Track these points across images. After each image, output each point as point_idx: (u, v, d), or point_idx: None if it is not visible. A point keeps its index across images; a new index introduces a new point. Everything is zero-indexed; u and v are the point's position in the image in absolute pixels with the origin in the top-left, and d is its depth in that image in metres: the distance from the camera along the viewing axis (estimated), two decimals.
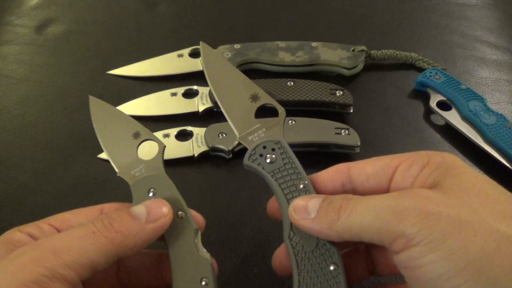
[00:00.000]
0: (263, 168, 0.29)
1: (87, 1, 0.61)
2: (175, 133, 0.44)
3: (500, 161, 0.41)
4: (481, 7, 0.59)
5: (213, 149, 0.43)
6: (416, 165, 0.25)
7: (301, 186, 0.28)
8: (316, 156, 0.43)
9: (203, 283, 0.27)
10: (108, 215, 0.26)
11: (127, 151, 0.32)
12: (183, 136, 0.44)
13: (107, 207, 0.29)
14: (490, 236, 0.21)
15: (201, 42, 0.34)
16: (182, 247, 0.28)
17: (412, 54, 0.51)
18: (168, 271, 0.28)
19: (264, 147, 0.30)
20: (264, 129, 0.30)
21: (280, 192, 0.28)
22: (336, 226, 0.25)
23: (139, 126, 0.33)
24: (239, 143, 0.43)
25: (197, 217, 0.30)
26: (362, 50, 0.50)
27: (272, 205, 0.30)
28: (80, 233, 0.25)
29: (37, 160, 0.44)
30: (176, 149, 0.43)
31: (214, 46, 0.51)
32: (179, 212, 0.29)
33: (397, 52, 0.51)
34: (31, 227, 0.27)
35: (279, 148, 0.30)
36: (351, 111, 0.46)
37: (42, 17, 0.58)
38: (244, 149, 0.43)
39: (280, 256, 0.29)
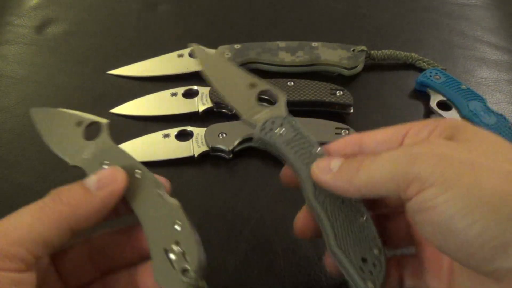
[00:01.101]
0: (275, 139, 0.30)
1: (87, 1, 0.61)
2: (175, 133, 0.44)
3: None
4: (481, 7, 0.59)
5: (213, 149, 0.43)
6: (426, 129, 0.26)
7: (317, 151, 0.29)
8: None
9: (177, 226, 0.26)
10: (58, 190, 0.26)
11: (74, 141, 0.32)
12: (183, 136, 0.44)
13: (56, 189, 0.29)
14: (504, 176, 0.22)
15: (192, 44, 0.35)
16: (146, 201, 0.28)
17: (412, 54, 0.51)
18: (142, 240, 0.28)
19: (273, 122, 0.30)
20: (268, 110, 0.31)
21: (296, 159, 0.29)
22: (355, 180, 0.25)
23: (80, 116, 0.33)
24: (239, 143, 0.43)
25: (160, 179, 0.29)
26: (362, 50, 0.50)
27: (285, 173, 0.31)
28: (29, 210, 0.25)
29: (37, 160, 0.44)
30: (176, 149, 0.43)
31: (214, 46, 0.51)
32: (136, 171, 0.29)
33: (397, 52, 0.51)
34: None
35: (288, 122, 0.30)
36: (351, 111, 0.46)
37: (42, 17, 0.58)
38: (245, 149, 0.43)
39: (303, 218, 0.29)
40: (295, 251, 0.37)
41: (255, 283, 0.36)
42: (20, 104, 0.49)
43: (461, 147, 0.23)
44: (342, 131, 0.43)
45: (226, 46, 0.51)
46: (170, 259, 0.26)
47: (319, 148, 0.29)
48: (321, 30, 0.56)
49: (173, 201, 0.28)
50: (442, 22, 0.57)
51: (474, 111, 0.44)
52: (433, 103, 0.46)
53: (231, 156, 0.43)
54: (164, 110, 0.47)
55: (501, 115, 0.44)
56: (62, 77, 0.51)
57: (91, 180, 0.27)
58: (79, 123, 0.33)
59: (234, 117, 0.46)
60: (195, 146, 0.43)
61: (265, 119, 0.31)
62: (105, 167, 0.29)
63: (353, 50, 0.50)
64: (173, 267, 0.25)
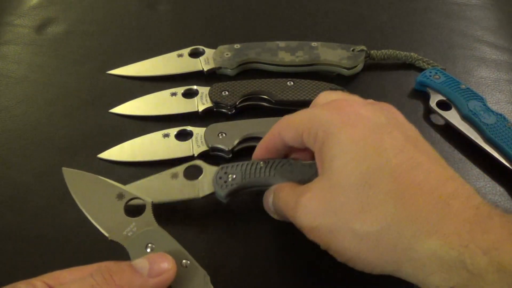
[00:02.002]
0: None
1: (87, 1, 0.61)
2: (175, 133, 0.44)
3: (500, 161, 0.41)
4: (481, 7, 0.59)
5: (213, 149, 0.43)
6: (311, 138, 0.29)
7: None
8: None
9: None
10: (108, 267, 0.26)
11: (114, 214, 0.32)
12: (183, 136, 0.44)
13: (104, 265, 0.28)
14: (350, 239, 0.25)
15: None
16: None
17: (412, 54, 0.51)
18: None
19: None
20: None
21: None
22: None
23: (120, 188, 0.33)
24: (239, 143, 0.43)
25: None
26: (362, 50, 0.50)
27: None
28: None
29: (37, 160, 0.44)
30: (175, 149, 0.43)
31: (214, 46, 0.51)
32: (183, 261, 0.28)
33: (397, 52, 0.51)
34: (25, 285, 0.26)
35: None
36: None
37: (42, 17, 0.58)
38: (244, 149, 0.43)
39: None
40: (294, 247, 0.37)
41: (256, 283, 0.36)
42: (20, 104, 0.49)
43: (323, 205, 0.27)
44: None
45: (226, 46, 0.51)
46: None
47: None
48: (321, 30, 0.56)
49: None
50: (442, 22, 0.57)
51: (474, 110, 0.44)
52: (432, 103, 0.46)
53: (230, 155, 0.43)
54: (163, 110, 0.47)
55: (500, 114, 0.44)
56: (62, 77, 0.51)
57: (143, 264, 0.27)
58: (120, 196, 0.33)
59: (234, 117, 0.46)
60: (195, 146, 0.43)
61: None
62: (149, 250, 0.29)
63: (353, 50, 0.50)
64: None
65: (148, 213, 0.32)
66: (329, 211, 0.26)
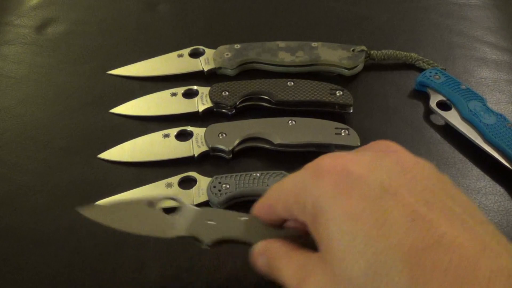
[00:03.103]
0: None
1: (87, 1, 0.61)
2: (175, 133, 0.44)
3: (500, 161, 0.41)
4: (481, 7, 0.59)
5: (213, 149, 0.43)
6: (299, 211, 0.25)
7: None
8: (316, 156, 0.43)
9: None
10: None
11: (157, 219, 0.32)
12: (183, 136, 0.44)
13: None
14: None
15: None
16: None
17: (412, 54, 0.51)
18: None
19: None
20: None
21: None
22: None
23: (148, 199, 0.33)
24: (239, 143, 0.43)
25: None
26: (362, 50, 0.50)
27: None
28: None
29: (37, 160, 0.44)
30: (176, 149, 0.43)
31: (214, 46, 0.51)
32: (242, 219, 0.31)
33: (397, 52, 0.51)
34: None
35: None
36: (351, 111, 0.46)
37: (42, 17, 0.58)
38: (245, 149, 0.43)
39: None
40: None
41: (255, 283, 0.36)
42: (20, 104, 0.49)
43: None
44: (342, 131, 0.43)
45: (226, 46, 0.51)
46: None
47: None
48: (321, 30, 0.56)
49: None
50: (442, 22, 0.57)
51: (474, 111, 0.44)
52: (432, 103, 0.46)
53: (231, 156, 0.43)
54: (164, 110, 0.47)
55: (501, 115, 0.44)
56: (62, 77, 0.51)
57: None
58: (150, 204, 0.33)
59: (234, 117, 0.46)
60: (195, 146, 0.43)
61: None
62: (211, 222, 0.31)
63: (353, 50, 0.50)
64: None
65: (184, 203, 0.33)
66: None
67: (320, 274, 0.23)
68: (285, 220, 0.28)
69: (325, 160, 0.24)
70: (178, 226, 0.32)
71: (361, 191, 0.21)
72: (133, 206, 0.33)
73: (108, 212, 0.33)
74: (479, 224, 0.20)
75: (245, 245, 0.32)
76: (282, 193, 0.26)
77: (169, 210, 0.32)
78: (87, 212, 0.32)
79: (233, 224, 0.32)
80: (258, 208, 0.29)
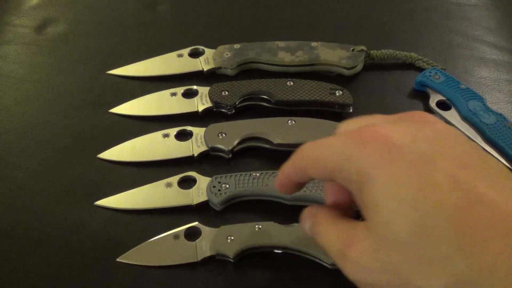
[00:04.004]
0: None
1: (87, 1, 0.61)
2: (175, 133, 0.44)
3: (499, 161, 0.41)
4: (481, 7, 0.59)
5: (213, 149, 0.43)
6: (343, 180, 0.25)
7: None
8: None
9: None
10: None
11: (185, 248, 0.37)
12: (182, 136, 0.44)
13: None
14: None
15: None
16: None
17: (412, 54, 0.51)
18: None
19: None
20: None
21: None
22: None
23: (171, 233, 0.38)
24: (239, 143, 0.43)
25: None
26: (362, 50, 0.50)
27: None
28: None
29: (37, 160, 0.44)
30: (175, 149, 0.43)
31: (214, 46, 0.51)
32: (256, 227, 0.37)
33: (397, 52, 0.51)
34: None
35: None
36: (351, 111, 0.46)
37: (42, 17, 0.58)
38: (244, 149, 0.43)
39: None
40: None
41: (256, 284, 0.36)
42: (20, 104, 0.49)
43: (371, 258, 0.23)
44: None
45: (226, 46, 0.51)
46: None
47: None
48: (321, 30, 0.56)
49: None
50: (442, 22, 0.57)
51: (474, 110, 0.44)
52: (432, 103, 0.46)
53: (230, 156, 0.43)
54: (163, 110, 0.47)
55: (500, 114, 0.44)
56: (62, 77, 0.51)
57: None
58: (176, 237, 0.37)
59: (233, 117, 0.46)
60: (195, 146, 0.43)
61: None
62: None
63: (353, 50, 0.50)
64: None
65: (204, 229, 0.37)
66: (386, 269, 0.23)
67: (366, 239, 0.24)
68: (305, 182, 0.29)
69: (368, 129, 0.24)
70: (202, 249, 0.36)
71: (405, 159, 0.22)
72: (161, 242, 0.37)
73: (142, 253, 0.37)
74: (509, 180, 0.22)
75: (266, 250, 0.36)
76: (320, 158, 0.26)
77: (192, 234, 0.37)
78: (125, 259, 0.37)
79: (251, 234, 0.36)
80: (288, 168, 0.28)
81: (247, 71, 0.51)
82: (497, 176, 0.22)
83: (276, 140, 0.42)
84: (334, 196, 0.28)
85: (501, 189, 0.21)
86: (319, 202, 0.36)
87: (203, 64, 0.50)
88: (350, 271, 0.24)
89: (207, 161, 0.43)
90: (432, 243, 0.21)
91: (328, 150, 0.26)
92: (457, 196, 0.21)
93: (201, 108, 0.46)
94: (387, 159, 0.23)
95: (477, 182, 0.21)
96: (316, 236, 0.28)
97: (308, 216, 0.29)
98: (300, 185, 0.29)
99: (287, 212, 0.39)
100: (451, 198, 0.21)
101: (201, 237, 0.37)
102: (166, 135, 0.44)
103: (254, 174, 0.40)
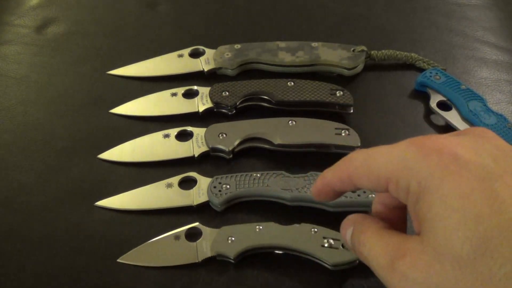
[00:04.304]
0: None
1: (87, 1, 0.61)
2: (175, 133, 0.44)
3: None
4: (481, 7, 0.59)
5: (213, 150, 0.43)
6: (400, 191, 0.24)
7: None
8: (316, 156, 0.43)
9: None
10: None
11: (187, 249, 0.37)
12: (183, 136, 0.44)
13: None
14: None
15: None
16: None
17: (412, 54, 0.51)
18: None
19: None
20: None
21: None
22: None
23: (171, 234, 0.38)
24: (240, 143, 0.43)
25: None
26: (362, 50, 0.50)
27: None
28: None
29: (37, 160, 0.44)
30: (176, 149, 0.43)
31: (214, 46, 0.51)
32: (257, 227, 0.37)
33: (397, 52, 0.51)
34: None
35: None
36: (351, 111, 0.46)
37: (42, 17, 0.58)
38: (245, 150, 0.43)
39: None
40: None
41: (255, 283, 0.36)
42: (20, 104, 0.49)
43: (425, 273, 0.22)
44: (342, 131, 0.43)
45: (226, 46, 0.51)
46: None
47: None
48: (321, 30, 0.56)
49: None
50: (442, 22, 0.57)
51: (474, 111, 0.44)
52: (433, 103, 0.46)
53: (231, 156, 0.43)
54: (164, 110, 0.47)
55: (501, 115, 0.44)
56: (62, 77, 0.51)
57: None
58: (176, 237, 0.37)
59: (234, 117, 0.46)
60: (195, 146, 0.43)
61: None
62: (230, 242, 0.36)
63: (353, 50, 0.50)
64: None
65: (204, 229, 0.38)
66: (438, 285, 0.21)
67: (419, 253, 0.22)
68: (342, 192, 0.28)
69: (430, 140, 0.24)
70: (203, 249, 0.36)
71: (471, 173, 0.21)
72: (161, 243, 0.37)
73: (143, 253, 0.37)
74: None
75: (267, 251, 0.36)
76: (373, 166, 0.25)
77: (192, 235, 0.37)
78: (126, 260, 0.37)
79: (252, 234, 0.36)
80: (331, 176, 0.27)
81: (247, 72, 0.51)
82: None
83: (277, 141, 0.42)
84: (382, 207, 0.27)
85: None
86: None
87: (203, 64, 0.50)
88: (397, 285, 0.23)
89: (208, 162, 0.43)
90: (494, 261, 0.20)
91: (384, 158, 0.25)
92: None
93: (201, 108, 0.46)
94: (452, 170, 0.22)
95: None
96: (359, 245, 0.26)
97: (351, 224, 0.27)
98: (339, 194, 0.28)
99: (287, 212, 0.39)
100: None
101: (201, 237, 0.37)
102: (166, 136, 0.44)
103: (255, 174, 0.40)
